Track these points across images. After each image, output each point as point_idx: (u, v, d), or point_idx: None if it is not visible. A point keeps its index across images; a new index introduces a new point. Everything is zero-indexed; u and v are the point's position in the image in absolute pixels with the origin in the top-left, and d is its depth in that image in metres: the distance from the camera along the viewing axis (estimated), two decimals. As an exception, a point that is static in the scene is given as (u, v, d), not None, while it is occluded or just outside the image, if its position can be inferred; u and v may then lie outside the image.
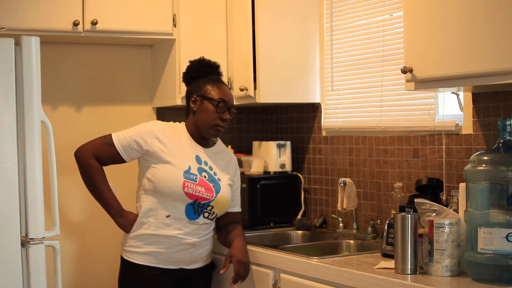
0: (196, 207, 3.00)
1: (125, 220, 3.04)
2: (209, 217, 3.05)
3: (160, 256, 3.01)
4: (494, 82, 2.39)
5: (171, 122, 3.16)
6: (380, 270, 2.57)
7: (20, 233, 2.43)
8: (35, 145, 2.44)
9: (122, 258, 3.09)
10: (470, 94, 2.89)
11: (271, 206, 3.78)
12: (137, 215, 3.05)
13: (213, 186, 3.03)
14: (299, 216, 3.81)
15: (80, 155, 3.05)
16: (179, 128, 3.11)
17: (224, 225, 3.20)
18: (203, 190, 3.00)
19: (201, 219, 3.03)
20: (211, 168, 3.08)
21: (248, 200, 3.71)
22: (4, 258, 2.39)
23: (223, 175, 3.11)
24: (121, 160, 3.05)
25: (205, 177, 3.03)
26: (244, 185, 3.72)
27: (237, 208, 3.24)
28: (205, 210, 3.03)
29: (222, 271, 3.04)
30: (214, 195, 3.02)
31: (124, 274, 3.08)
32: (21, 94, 2.43)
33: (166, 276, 3.02)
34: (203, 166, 3.06)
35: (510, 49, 2.29)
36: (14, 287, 2.41)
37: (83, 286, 3.83)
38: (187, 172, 2.99)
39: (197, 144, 3.09)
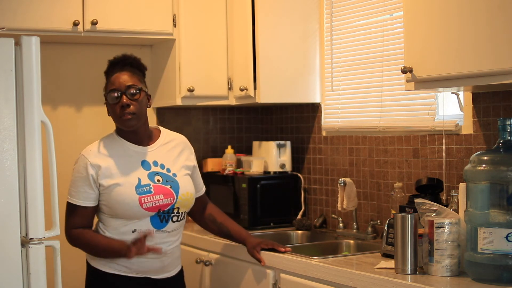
0: (162, 215, 2.83)
1: (130, 248, 2.77)
2: (178, 219, 2.89)
3: (129, 266, 2.83)
4: (494, 82, 2.39)
5: (100, 140, 2.92)
6: (380, 270, 2.57)
7: (20, 233, 2.42)
8: (35, 145, 2.43)
9: (88, 264, 2.92)
10: (470, 94, 2.89)
11: (271, 206, 3.78)
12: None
13: (171, 187, 2.84)
14: (299, 216, 3.81)
15: (68, 238, 2.86)
16: (112, 140, 2.89)
17: (199, 211, 3.09)
18: (162, 198, 2.81)
19: (169, 225, 2.86)
20: (162, 166, 2.88)
21: (248, 200, 3.70)
22: (4, 258, 2.38)
23: (178, 167, 2.93)
24: (93, 210, 2.84)
25: (158, 181, 2.83)
26: (244, 185, 3.72)
27: (203, 191, 3.11)
28: (172, 215, 2.86)
29: (263, 263, 2.97)
30: (176, 197, 2.84)
31: (90, 281, 2.92)
32: (21, 94, 2.42)
33: (133, 285, 2.83)
34: (153, 168, 2.86)
35: (510, 49, 2.29)
36: (14, 287, 2.40)
37: (83, 286, 3.82)
38: (139, 186, 2.79)
39: (138, 146, 2.88)
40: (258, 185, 3.75)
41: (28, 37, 2.44)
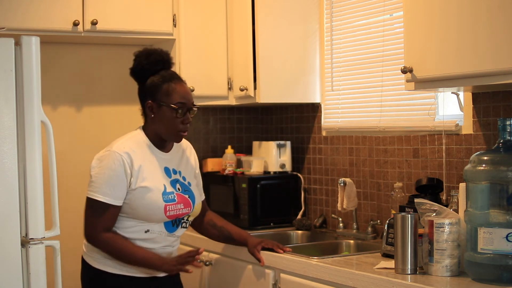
0: (174, 221, 2.86)
1: (166, 261, 2.79)
2: (186, 225, 2.92)
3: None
4: (494, 82, 2.39)
5: (130, 136, 2.86)
6: (380, 270, 2.57)
7: (20, 233, 2.42)
8: (35, 145, 2.43)
9: (86, 263, 2.86)
10: (470, 94, 2.89)
11: (271, 206, 3.78)
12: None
13: (189, 197, 2.87)
14: (299, 216, 3.81)
15: (96, 241, 2.75)
16: (141, 139, 2.84)
17: (200, 220, 3.07)
18: (182, 207, 2.83)
19: (179, 231, 2.89)
20: (180, 174, 2.90)
21: (248, 200, 3.70)
22: (4, 258, 2.38)
23: (190, 175, 2.96)
24: (120, 209, 2.78)
25: (179, 189, 2.85)
26: (244, 185, 3.72)
27: (202, 196, 3.09)
28: (182, 221, 2.89)
29: (262, 264, 2.96)
30: (192, 207, 2.88)
31: (90, 281, 2.87)
32: (21, 94, 2.42)
33: (139, 286, 2.82)
34: (173, 176, 2.87)
35: (510, 49, 2.29)
36: (14, 287, 2.40)
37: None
38: (165, 194, 2.79)
39: (160, 151, 2.86)
40: (258, 185, 3.75)
41: (28, 37, 2.44)
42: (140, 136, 2.86)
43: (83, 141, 3.91)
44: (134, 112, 4.04)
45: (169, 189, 2.82)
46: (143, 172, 2.77)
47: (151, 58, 2.83)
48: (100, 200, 2.73)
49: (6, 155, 2.40)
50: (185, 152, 2.99)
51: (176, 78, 2.84)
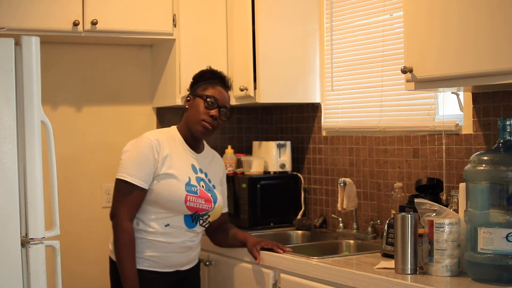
0: (194, 216, 2.95)
1: None
2: (203, 224, 3.01)
3: (158, 260, 2.92)
4: (494, 82, 2.39)
5: (164, 129, 3.09)
6: (380, 270, 2.57)
7: (20, 233, 2.42)
8: (35, 145, 2.43)
9: (113, 261, 2.96)
10: (470, 94, 2.89)
11: (271, 206, 3.78)
12: None
13: (211, 196, 2.99)
14: (299, 216, 3.81)
15: (118, 227, 2.85)
16: (173, 135, 3.02)
17: (216, 228, 3.17)
18: (203, 202, 2.94)
19: (198, 227, 2.98)
20: (206, 175, 3.03)
21: (248, 200, 3.70)
22: (4, 258, 2.38)
23: (216, 181, 3.08)
24: (145, 195, 2.89)
25: (203, 186, 2.97)
26: (244, 185, 3.72)
27: (226, 209, 3.19)
28: (201, 218, 2.97)
29: (258, 262, 3.02)
30: (213, 206, 2.98)
31: (118, 276, 2.91)
32: (21, 94, 2.42)
33: (163, 280, 2.94)
34: (199, 174, 3.00)
35: (510, 49, 2.29)
36: (14, 287, 2.40)
37: (83, 286, 3.83)
38: (188, 185, 2.92)
39: (191, 150, 3.02)
40: (258, 185, 3.75)
41: (28, 37, 2.44)
42: (173, 132, 3.03)
43: (83, 141, 3.91)
44: (134, 112, 4.05)
45: (193, 182, 2.95)
46: (171, 160, 2.91)
47: (216, 73, 3.09)
48: (127, 180, 2.86)
49: (6, 155, 2.40)
50: (214, 159, 3.14)
51: (221, 85, 3.05)
